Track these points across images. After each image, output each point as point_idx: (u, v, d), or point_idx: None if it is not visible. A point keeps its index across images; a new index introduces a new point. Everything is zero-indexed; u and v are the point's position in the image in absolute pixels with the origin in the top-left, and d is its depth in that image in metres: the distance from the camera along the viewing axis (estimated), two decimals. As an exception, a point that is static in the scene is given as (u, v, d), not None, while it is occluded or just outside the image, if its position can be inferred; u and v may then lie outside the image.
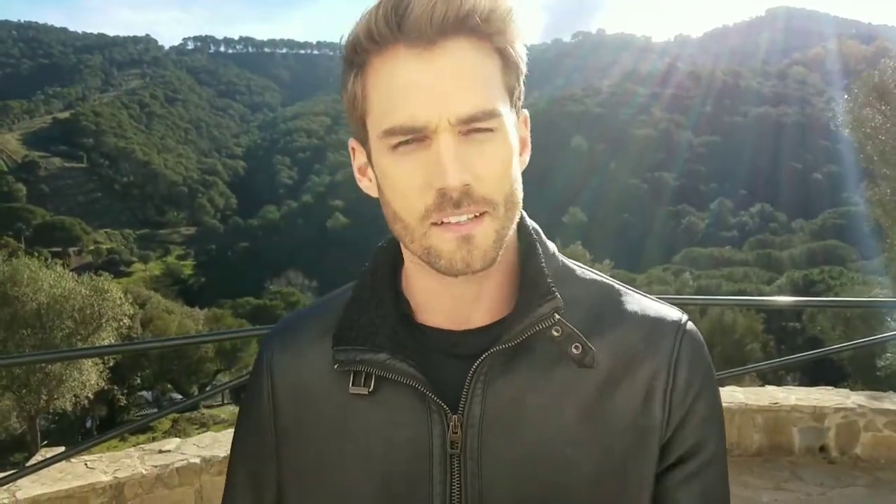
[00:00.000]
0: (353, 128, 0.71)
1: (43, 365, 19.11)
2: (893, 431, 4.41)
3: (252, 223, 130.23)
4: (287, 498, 0.76)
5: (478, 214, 0.64)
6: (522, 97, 0.69)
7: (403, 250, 0.73)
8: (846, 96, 15.56)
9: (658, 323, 0.74)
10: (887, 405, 4.52)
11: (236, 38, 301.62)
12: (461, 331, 0.72)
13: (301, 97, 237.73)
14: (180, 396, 32.92)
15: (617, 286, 0.77)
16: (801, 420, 4.56)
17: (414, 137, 0.63)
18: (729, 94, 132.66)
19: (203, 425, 26.33)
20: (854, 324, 21.61)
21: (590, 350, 0.69)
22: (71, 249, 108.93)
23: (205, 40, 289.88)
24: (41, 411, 21.82)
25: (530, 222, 0.75)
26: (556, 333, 0.68)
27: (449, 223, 0.64)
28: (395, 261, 0.77)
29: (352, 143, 0.74)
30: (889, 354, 16.06)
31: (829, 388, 5.21)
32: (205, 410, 31.37)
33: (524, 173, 0.70)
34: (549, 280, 0.69)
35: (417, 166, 0.63)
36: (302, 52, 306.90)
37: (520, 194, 0.68)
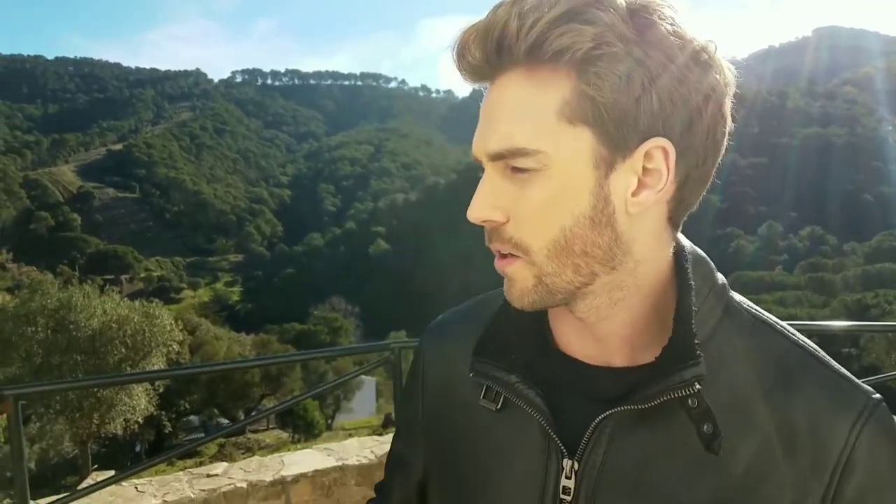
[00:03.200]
0: None
1: (95, 390, 19.61)
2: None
3: (297, 250, 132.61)
4: (429, 479, 0.79)
5: (508, 255, 0.61)
6: (650, 125, 0.57)
7: None
8: None
9: (836, 405, 0.60)
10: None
11: (283, 70, 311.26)
12: (598, 366, 0.67)
13: (345, 127, 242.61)
14: (227, 421, 33.34)
15: (801, 345, 0.64)
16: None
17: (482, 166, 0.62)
18: (776, 115, 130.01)
19: (248, 450, 26.54)
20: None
21: (719, 436, 0.58)
22: (123, 277, 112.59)
23: (252, 73, 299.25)
24: (92, 435, 22.32)
25: (702, 255, 0.68)
26: (692, 404, 0.59)
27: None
28: None
29: None
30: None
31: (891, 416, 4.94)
32: (250, 435, 31.65)
33: None
34: (697, 342, 0.60)
35: None
36: (346, 83, 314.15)
37: (582, 242, 0.59)
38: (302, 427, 31.76)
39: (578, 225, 0.59)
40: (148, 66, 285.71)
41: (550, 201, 0.58)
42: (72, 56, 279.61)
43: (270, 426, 34.76)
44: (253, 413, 28.73)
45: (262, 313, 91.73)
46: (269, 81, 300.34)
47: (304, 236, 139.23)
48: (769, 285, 66.70)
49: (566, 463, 0.64)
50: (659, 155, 0.58)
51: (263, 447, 28.04)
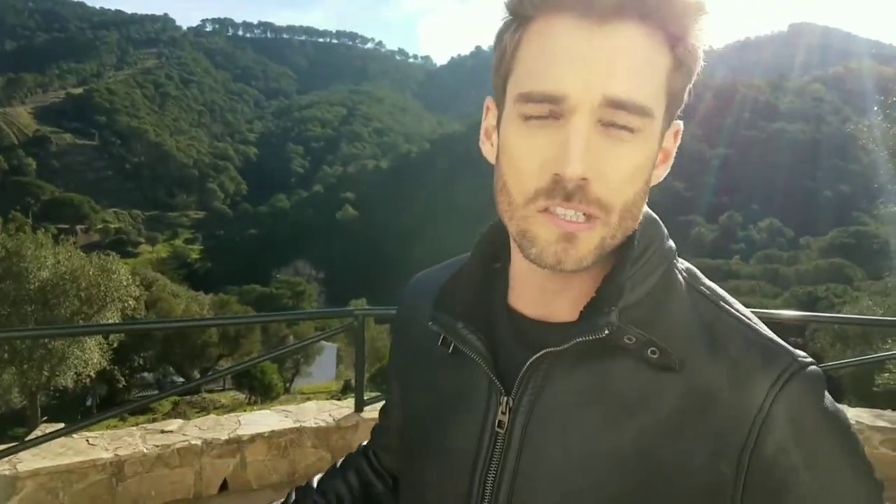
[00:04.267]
0: (494, 85, 0.66)
1: (46, 341, 19.20)
2: (890, 449, 4.36)
3: (261, 210, 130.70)
4: (402, 416, 0.85)
5: (588, 218, 0.60)
6: (682, 106, 0.63)
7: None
8: (878, 112, 15.44)
9: (757, 364, 0.62)
10: (884, 423, 4.47)
11: (255, 22, 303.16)
12: (541, 321, 0.71)
13: (317, 86, 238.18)
14: (182, 379, 33.05)
15: (732, 311, 0.67)
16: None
17: (551, 111, 0.58)
18: (747, 108, 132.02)
19: (203, 409, 26.40)
20: (854, 342, 21.57)
21: (669, 352, 0.62)
22: (79, 227, 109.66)
23: (223, 23, 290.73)
24: (42, 387, 21.91)
25: (660, 231, 0.72)
26: (628, 341, 0.63)
27: (555, 214, 0.60)
28: (505, 237, 0.76)
29: (488, 101, 0.69)
30: (887, 374, 16.02)
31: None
32: (206, 394, 31.47)
33: None
34: (618, 293, 0.64)
35: (543, 144, 0.59)
36: (321, 40, 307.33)
37: (641, 206, 0.63)
38: (259, 389, 31.68)
39: (643, 191, 0.62)
40: (113, 8, 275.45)
41: (637, 165, 0.59)
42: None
43: (226, 387, 34.59)
44: (210, 373, 28.53)
45: (222, 273, 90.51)
46: (240, 33, 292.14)
47: (270, 197, 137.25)
48: (725, 273, 68.32)
49: (503, 399, 0.68)
50: (676, 138, 0.65)
51: (219, 407, 27.93)
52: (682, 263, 0.72)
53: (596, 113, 0.57)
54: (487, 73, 0.62)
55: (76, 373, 21.08)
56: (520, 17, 0.61)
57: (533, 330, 0.71)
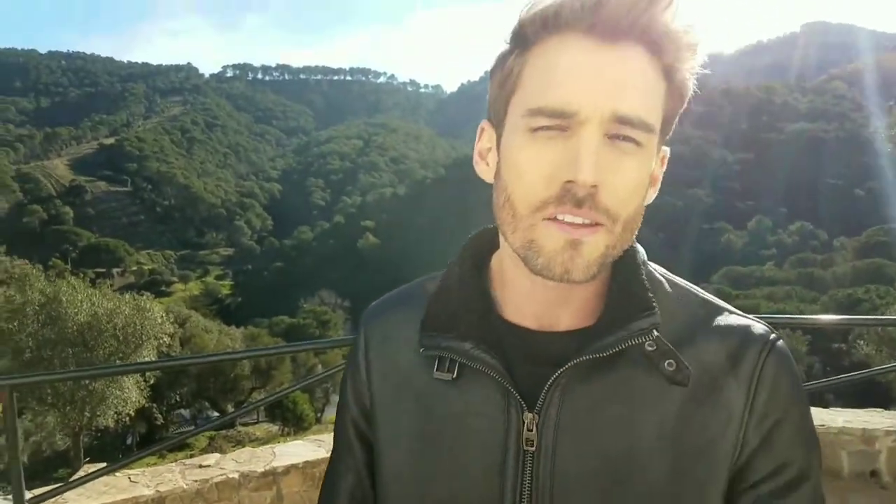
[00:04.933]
0: (492, 108, 0.69)
1: (86, 382, 19.57)
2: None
3: (286, 244, 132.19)
4: (379, 462, 0.78)
5: (593, 224, 0.62)
6: (671, 133, 0.67)
7: (502, 242, 0.71)
8: (893, 108, 15.13)
9: (745, 340, 0.70)
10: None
11: (273, 65, 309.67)
12: (545, 332, 0.72)
13: (334, 122, 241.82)
14: (217, 414, 33.31)
15: (708, 299, 0.74)
16: (851, 443, 4.40)
17: (559, 125, 0.61)
18: (764, 111, 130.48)
19: (239, 443, 26.56)
20: (902, 344, 20.89)
21: (684, 368, 0.67)
22: (115, 270, 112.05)
23: (243, 68, 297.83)
24: (84, 428, 22.29)
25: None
26: (649, 348, 0.67)
27: (563, 221, 0.62)
28: (484, 253, 0.78)
29: (484, 123, 0.71)
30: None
31: (879, 409, 5.02)
32: (241, 428, 31.67)
33: None
34: (650, 294, 0.69)
35: (552, 154, 0.61)
36: (336, 77, 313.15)
37: (639, 222, 0.67)
38: (291, 420, 31.78)
39: (642, 204, 0.66)
40: (139, 61, 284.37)
41: (640, 177, 0.63)
42: (64, 50, 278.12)
43: (260, 419, 34.77)
44: (243, 406, 28.74)
45: (251, 307, 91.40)
46: (259, 76, 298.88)
47: (294, 230, 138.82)
48: (759, 280, 67.04)
49: (527, 416, 0.68)
50: (663, 163, 0.70)
51: (253, 440, 28.08)
52: (653, 265, 0.76)
53: (605, 126, 0.60)
54: None
55: (116, 412, 21.43)
56: (524, 42, 0.63)
57: (539, 342, 0.71)
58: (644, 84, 0.61)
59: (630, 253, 0.70)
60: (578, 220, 0.61)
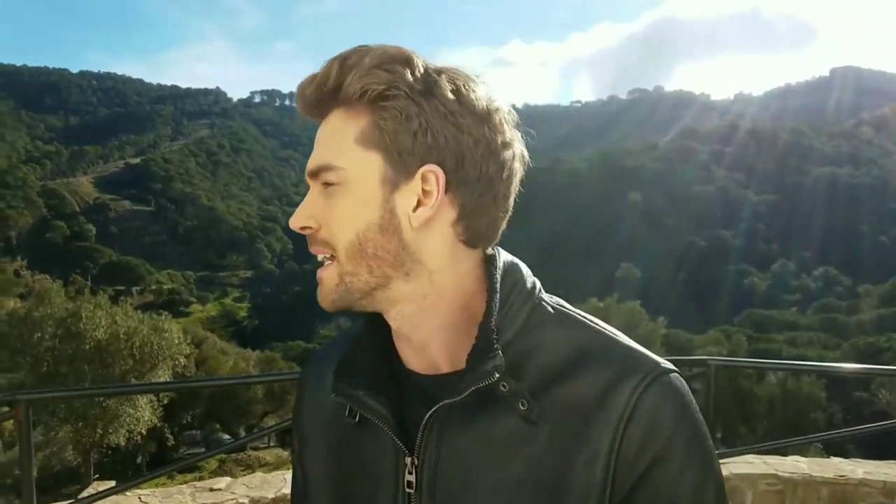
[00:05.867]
0: None
1: (101, 399, 19.68)
2: None
3: (306, 268, 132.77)
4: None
5: (328, 258, 0.73)
6: (425, 154, 0.71)
7: None
8: None
9: (621, 374, 0.70)
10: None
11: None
12: (429, 375, 0.76)
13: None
14: (228, 437, 33.23)
15: (602, 333, 0.75)
16: (870, 495, 4.28)
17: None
18: (792, 154, 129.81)
19: (249, 467, 26.43)
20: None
21: (534, 407, 0.69)
22: (134, 288, 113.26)
23: (271, 94, 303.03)
24: (96, 445, 22.35)
25: (520, 272, 0.78)
26: (503, 389, 0.70)
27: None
28: None
29: None
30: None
31: (901, 462, 4.88)
32: (251, 452, 31.53)
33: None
34: (495, 337, 0.71)
35: None
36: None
37: (373, 245, 0.71)
38: (303, 446, 31.53)
39: (370, 230, 0.71)
40: (169, 84, 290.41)
41: (349, 209, 0.71)
42: (95, 70, 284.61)
43: (271, 444, 34.61)
44: (255, 430, 28.65)
45: (268, 330, 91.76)
46: (286, 102, 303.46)
47: (314, 255, 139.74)
48: (781, 324, 66.01)
49: (407, 460, 0.73)
50: (432, 178, 0.71)
51: (264, 465, 27.90)
52: (551, 298, 0.78)
53: (314, 183, 0.74)
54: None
55: (128, 430, 21.48)
56: None
57: (428, 386, 0.75)
58: (330, 136, 0.73)
59: (490, 295, 0.73)
60: (319, 258, 0.75)
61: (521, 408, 0.69)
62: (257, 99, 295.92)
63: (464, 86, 0.72)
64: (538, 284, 0.78)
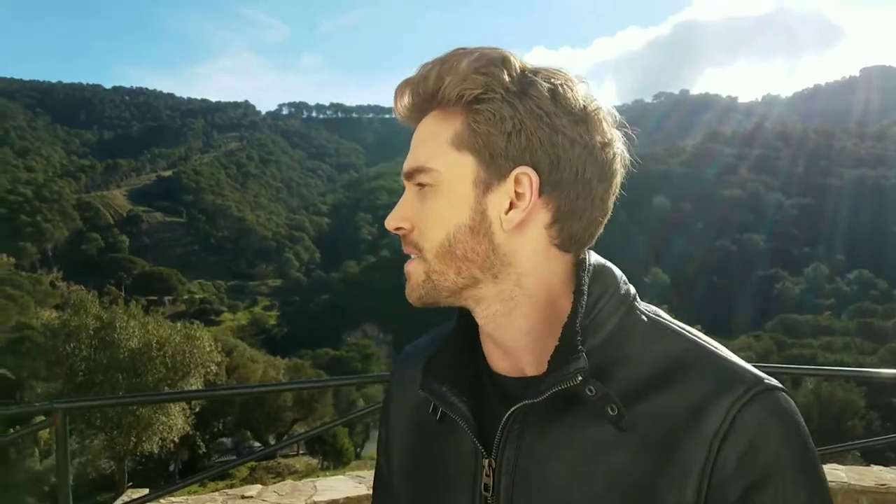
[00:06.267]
0: None
1: (134, 408, 20.00)
2: None
3: (334, 276, 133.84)
4: (392, 499, 0.87)
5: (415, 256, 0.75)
6: (518, 156, 0.71)
7: None
8: None
9: (718, 388, 0.66)
10: None
11: (327, 104, 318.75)
12: (514, 377, 0.75)
13: (384, 158, 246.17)
14: (258, 444, 33.50)
15: (697, 343, 0.72)
16: (914, 505, 4.15)
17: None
18: (822, 155, 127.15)
19: (279, 474, 26.57)
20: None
21: (624, 413, 0.67)
22: (166, 298, 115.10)
23: (298, 106, 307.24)
24: (130, 452, 22.68)
25: (613, 277, 0.76)
26: (589, 392, 0.68)
27: None
28: None
29: None
30: None
31: (945, 471, 4.72)
32: (281, 460, 31.74)
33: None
34: (579, 339, 0.69)
35: None
36: (387, 116, 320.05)
37: (462, 247, 0.72)
38: (331, 454, 31.73)
39: (460, 232, 0.72)
40: (199, 97, 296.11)
41: (441, 211, 0.73)
42: (128, 86, 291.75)
43: (300, 452, 34.82)
44: (284, 438, 28.85)
45: (297, 338, 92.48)
46: (314, 114, 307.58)
47: (341, 264, 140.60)
48: (816, 329, 64.57)
49: (485, 462, 0.72)
50: (525, 181, 0.70)
51: (293, 473, 28.05)
52: (647, 306, 0.76)
53: (409, 185, 0.76)
54: None
55: (161, 438, 21.76)
56: None
57: (512, 388, 0.74)
58: (425, 138, 0.74)
59: (577, 298, 0.72)
60: (407, 252, 0.77)
61: (610, 413, 0.67)
62: (285, 111, 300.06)
63: (561, 86, 0.71)
64: (633, 291, 0.76)
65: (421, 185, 0.73)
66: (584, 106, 0.71)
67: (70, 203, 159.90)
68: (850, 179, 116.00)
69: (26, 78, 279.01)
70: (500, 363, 0.77)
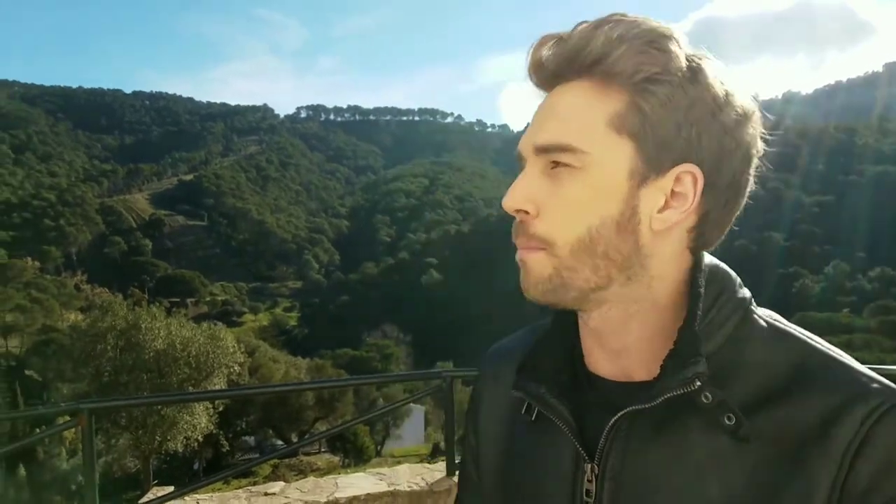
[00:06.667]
0: None
1: (159, 407, 20.31)
2: None
3: (353, 278, 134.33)
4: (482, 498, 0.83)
5: (534, 248, 0.66)
6: (684, 152, 0.63)
7: None
8: None
9: (849, 399, 0.59)
10: None
11: (345, 106, 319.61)
12: (619, 382, 0.70)
13: (401, 160, 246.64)
14: (281, 442, 33.83)
15: (822, 351, 0.65)
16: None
17: (520, 164, 0.68)
18: (843, 152, 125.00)
19: (301, 472, 26.81)
20: None
21: (744, 422, 0.60)
22: (189, 300, 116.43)
23: (316, 109, 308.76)
24: (154, 452, 23.03)
25: (730, 280, 0.70)
26: (705, 400, 0.62)
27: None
28: None
29: None
30: None
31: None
32: (303, 457, 32.02)
33: None
34: (699, 342, 0.63)
35: None
36: (404, 118, 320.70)
37: (613, 245, 0.64)
38: (352, 452, 31.94)
39: (605, 227, 0.63)
40: (218, 101, 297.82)
41: (583, 200, 0.63)
42: (148, 90, 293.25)
43: (322, 450, 35.08)
44: (306, 436, 29.13)
45: (317, 338, 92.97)
46: (331, 117, 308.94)
47: (360, 265, 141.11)
48: (836, 328, 63.59)
49: (587, 467, 0.68)
50: (688, 180, 0.63)
51: (315, 470, 28.28)
52: (763, 311, 0.71)
53: (535, 159, 0.66)
54: None
55: (186, 437, 22.07)
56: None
57: (616, 392, 0.70)
58: (576, 110, 0.63)
59: (693, 300, 0.66)
60: (523, 246, 0.66)
61: (727, 422, 0.61)
62: (303, 114, 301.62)
63: (728, 77, 0.64)
64: (748, 294, 0.71)
65: (556, 163, 0.64)
66: (750, 104, 0.65)
67: (93, 207, 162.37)
68: (871, 176, 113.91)
69: (47, 84, 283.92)
70: (605, 366, 0.72)
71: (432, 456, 30.30)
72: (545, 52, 0.65)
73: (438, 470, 4.12)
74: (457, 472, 3.89)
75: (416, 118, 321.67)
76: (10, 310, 67.64)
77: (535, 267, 0.66)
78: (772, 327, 0.68)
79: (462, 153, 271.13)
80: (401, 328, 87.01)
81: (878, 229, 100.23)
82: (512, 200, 0.65)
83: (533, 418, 0.73)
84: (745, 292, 0.71)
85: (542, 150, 0.64)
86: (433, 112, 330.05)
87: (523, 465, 0.75)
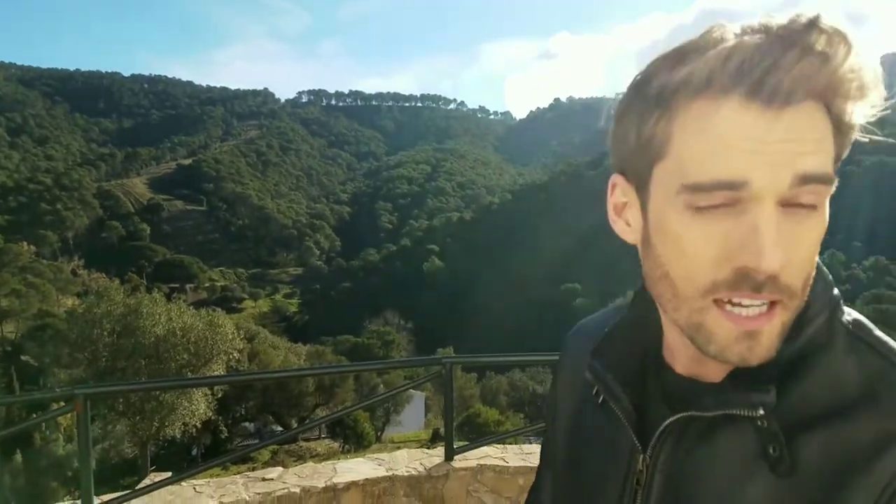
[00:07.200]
0: (627, 165, 0.62)
1: (157, 393, 20.29)
2: None
3: (354, 264, 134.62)
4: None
5: (770, 304, 0.56)
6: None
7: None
8: None
9: None
10: None
11: (346, 91, 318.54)
12: (691, 379, 0.67)
13: (404, 147, 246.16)
14: (280, 429, 33.93)
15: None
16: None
17: (725, 200, 0.54)
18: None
19: (300, 458, 26.89)
20: None
21: (786, 458, 0.57)
22: (188, 286, 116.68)
23: (318, 94, 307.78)
24: (152, 438, 23.04)
25: (820, 277, 0.64)
26: (761, 424, 0.58)
27: (732, 312, 0.56)
28: None
29: (616, 179, 0.65)
30: None
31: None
32: (302, 443, 32.11)
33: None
34: (774, 369, 0.58)
35: (720, 234, 0.55)
36: (407, 104, 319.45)
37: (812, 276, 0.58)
38: (352, 438, 32.03)
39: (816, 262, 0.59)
40: (218, 85, 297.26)
41: (818, 240, 0.57)
42: (146, 73, 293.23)
43: (322, 436, 35.18)
44: (306, 422, 29.19)
45: (318, 325, 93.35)
46: (333, 102, 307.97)
47: (361, 252, 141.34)
48: (832, 317, 63.67)
49: (639, 458, 0.68)
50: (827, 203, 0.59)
51: (314, 455, 28.35)
52: (850, 314, 0.66)
53: (781, 195, 0.53)
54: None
55: (184, 423, 22.08)
56: (666, 105, 0.57)
57: (682, 388, 0.68)
58: (820, 135, 0.54)
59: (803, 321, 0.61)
60: (756, 305, 0.55)
61: (772, 453, 0.58)
62: (304, 99, 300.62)
63: None
64: (837, 293, 0.66)
65: (803, 205, 0.54)
66: None
67: (90, 191, 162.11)
68: (868, 166, 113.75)
69: (44, 66, 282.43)
70: (685, 364, 0.68)
71: (432, 441, 30.36)
72: (796, 66, 0.52)
73: (437, 455, 4.08)
74: (454, 458, 3.91)
75: (419, 104, 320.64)
76: (5, 294, 67.66)
77: (769, 334, 0.56)
78: (855, 337, 0.62)
79: (465, 140, 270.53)
80: (402, 315, 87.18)
81: (874, 219, 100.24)
82: (780, 259, 0.53)
83: (600, 402, 0.74)
84: (836, 292, 0.66)
85: (808, 179, 0.53)
86: (436, 98, 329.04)
87: (586, 443, 0.76)
